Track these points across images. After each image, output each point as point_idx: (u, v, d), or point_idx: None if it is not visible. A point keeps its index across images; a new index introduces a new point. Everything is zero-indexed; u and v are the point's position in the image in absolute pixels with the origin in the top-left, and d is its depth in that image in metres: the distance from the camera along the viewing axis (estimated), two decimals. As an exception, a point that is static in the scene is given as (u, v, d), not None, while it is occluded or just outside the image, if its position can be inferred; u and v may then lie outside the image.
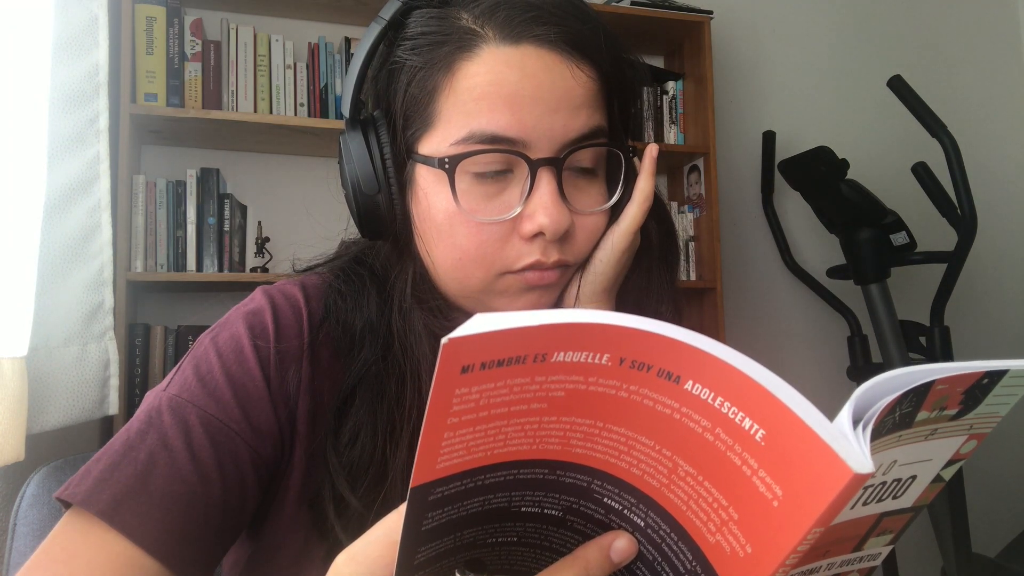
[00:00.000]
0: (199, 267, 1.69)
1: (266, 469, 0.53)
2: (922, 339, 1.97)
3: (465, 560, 0.34)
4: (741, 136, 2.33)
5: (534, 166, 0.51)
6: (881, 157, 2.36)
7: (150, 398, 0.53)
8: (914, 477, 0.33)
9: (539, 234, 0.52)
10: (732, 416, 0.26)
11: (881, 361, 2.04)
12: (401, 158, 0.55)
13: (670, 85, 2.11)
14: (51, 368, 1.16)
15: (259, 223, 1.80)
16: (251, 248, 1.77)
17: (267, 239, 1.78)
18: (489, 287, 0.55)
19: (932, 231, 2.00)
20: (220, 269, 1.70)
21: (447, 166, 0.51)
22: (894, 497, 0.33)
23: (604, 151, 0.56)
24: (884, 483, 0.31)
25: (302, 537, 0.54)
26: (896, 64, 2.34)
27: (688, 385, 0.26)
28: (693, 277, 2.07)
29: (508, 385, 0.26)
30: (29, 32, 1.08)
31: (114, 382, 1.32)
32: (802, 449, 0.25)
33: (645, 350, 0.25)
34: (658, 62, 2.26)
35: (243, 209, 1.77)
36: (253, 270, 1.73)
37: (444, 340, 0.23)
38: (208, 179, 1.72)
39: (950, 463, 0.34)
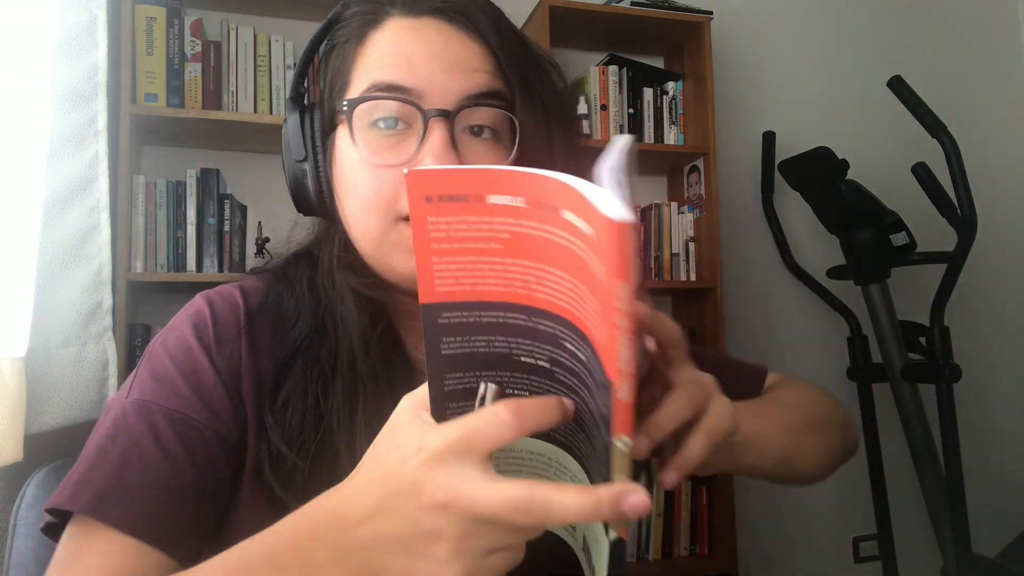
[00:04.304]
0: (199, 267, 1.69)
1: (232, 450, 0.57)
2: (922, 339, 1.97)
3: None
4: (741, 136, 2.33)
5: (426, 116, 0.56)
6: (881, 157, 2.36)
7: (114, 407, 0.57)
8: None
9: None
10: (577, 224, 0.32)
11: (881, 361, 2.04)
12: (327, 129, 0.62)
13: (670, 85, 2.11)
14: (49, 369, 1.16)
15: (259, 223, 1.80)
16: (251, 248, 1.77)
17: (267, 239, 1.78)
18: (386, 237, 0.58)
19: (932, 231, 2.00)
20: (220, 269, 1.70)
21: (345, 108, 0.58)
22: None
23: (502, 117, 0.59)
24: None
25: (260, 516, 0.56)
26: (896, 64, 2.34)
27: (563, 213, 0.32)
28: (693, 277, 2.07)
29: (464, 220, 0.34)
30: (28, 32, 1.08)
31: (112, 383, 1.31)
32: (596, 224, 0.31)
33: (539, 189, 0.32)
34: (658, 62, 2.26)
35: (243, 209, 1.77)
36: (253, 270, 1.73)
37: (404, 171, 0.33)
38: (208, 179, 1.72)
39: None
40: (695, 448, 0.44)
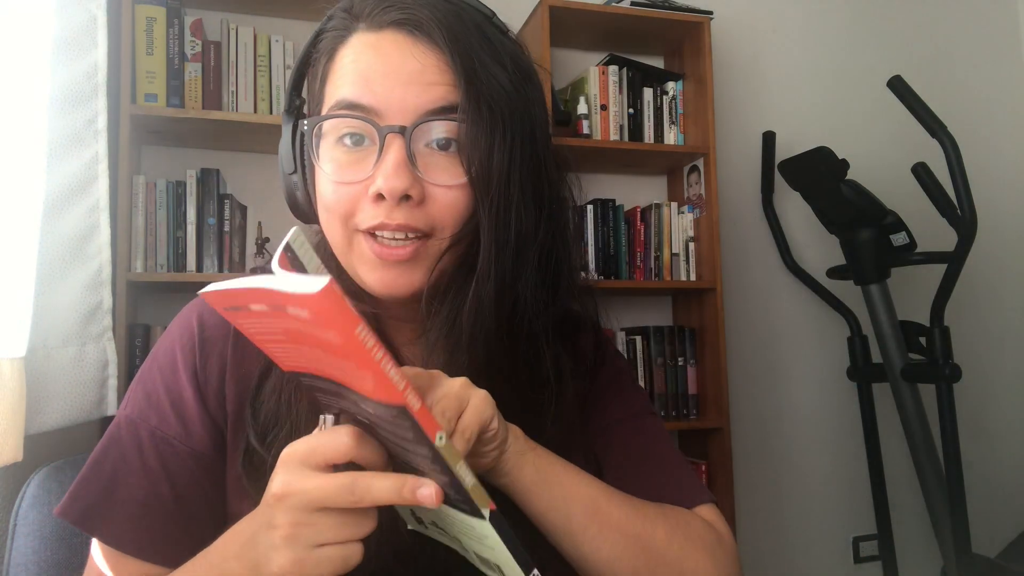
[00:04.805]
0: (199, 267, 1.69)
1: (209, 465, 0.62)
2: (922, 339, 1.97)
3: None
4: (741, 136, 2.33)
5: (382, 132, 0.56)
6: (881, 157, 2.36)
7: (116, 417, 0.63)
8: None
9: (381, 197, 0.56)
10: (299, 314, 0.37)
11: (881, 361, 2.04)
12: (312, 143, 0.63)
13: (670, 85, 2.11)
14: (49, 369, 1.16)
15: (259, 223, 1.80)
16: (251, 248, 1.77)
17: (267, 239, 1.78)
18: (349, 248, 0.60)
19: (932, 231, 2.00)
20: (220, 270, 1.70)
21: (306, 127, 0.61)
22: None
23: (463, 129, 0.57)
24: None
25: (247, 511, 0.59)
26: (896, 64, 2.34)
27: (290, 309, 0.37)
28: (693, 277, 2.07)
29: (253, 321, 0.40)
30: (28, 32, 1.08)
31: (112, 383, 1.31)
32: (306, 305, 0.36)
33: (271, 299, 0.37)
34: (658, 62, 2.26)
35: (243, 209, 1.77)
36: (253, 270, 1.73)
37: (199, 293, 0.38)
38: (208, 179, 1.72)
39: None
40: (456, 445, 0.49)
